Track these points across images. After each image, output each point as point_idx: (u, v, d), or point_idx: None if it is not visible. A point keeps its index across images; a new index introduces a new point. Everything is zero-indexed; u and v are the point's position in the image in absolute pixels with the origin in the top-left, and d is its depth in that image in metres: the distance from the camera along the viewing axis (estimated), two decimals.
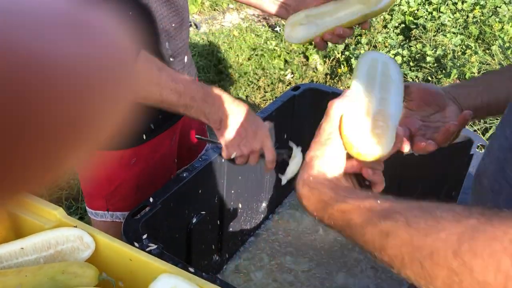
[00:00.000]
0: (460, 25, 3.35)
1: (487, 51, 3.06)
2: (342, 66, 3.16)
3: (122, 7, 0.80)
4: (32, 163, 0.20)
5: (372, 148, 0.56)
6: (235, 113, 0.93)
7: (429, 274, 0.37)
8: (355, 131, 0.57)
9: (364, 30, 3.35)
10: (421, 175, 1.44)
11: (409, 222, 0.40)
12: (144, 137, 1.06)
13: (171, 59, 1.05)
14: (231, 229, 1.36)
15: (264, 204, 1.50)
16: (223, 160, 1.22)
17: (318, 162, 0.55)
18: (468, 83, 1.02)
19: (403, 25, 3.48)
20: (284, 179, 0.95)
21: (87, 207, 1.15)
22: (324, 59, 3.24)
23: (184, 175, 1.11)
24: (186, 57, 1.11)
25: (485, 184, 0.63)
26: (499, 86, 0.74)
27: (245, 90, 3.02)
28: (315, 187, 0.53)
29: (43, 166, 0.21)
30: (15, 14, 0.19)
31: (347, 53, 3.19)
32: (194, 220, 1.17)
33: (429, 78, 2.86)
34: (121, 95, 0.24)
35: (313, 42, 1.03)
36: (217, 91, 0.93)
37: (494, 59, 2.86)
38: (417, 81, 2.84)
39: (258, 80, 3.08)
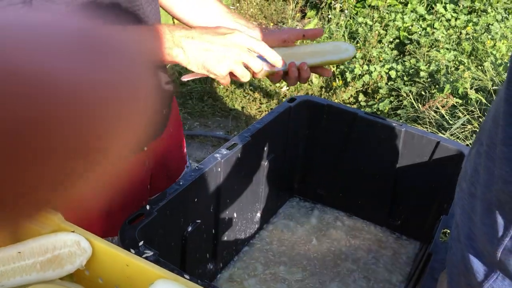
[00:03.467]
0: (453, 41, 3.40)
1: (480, 67, 3.10)
2: (337, 80, 3.19)
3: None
4: (47, 184, 0.21)
5: None
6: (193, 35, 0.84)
7: None
8: None
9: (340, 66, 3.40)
10: (413, 188, 1.47)
11: None
12: None
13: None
14: (225, 238, 1.37)
15: (258, 214, 1.52)
16: (219, 169, 1.23)
17: None
18: None
19: (397, 41, 3.53)
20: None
21: None
22: None
23: (181, 183, 1.12)
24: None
25: (463, 187, 0.66)
26: None
27: (241, 102, 3.05)
28: None
29: (58, 187, 0.22)
30: (28, 35, 0.19)
31: (342, 67, 3.23)
32: (190, 229, 1.18)
33: (423, 92, 2.90)
34: (139, 111, 0.24)
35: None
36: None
37: (486, 75, 2.90)
38: (410, 95, 2.87)
39: (253, 92, 3.10)
